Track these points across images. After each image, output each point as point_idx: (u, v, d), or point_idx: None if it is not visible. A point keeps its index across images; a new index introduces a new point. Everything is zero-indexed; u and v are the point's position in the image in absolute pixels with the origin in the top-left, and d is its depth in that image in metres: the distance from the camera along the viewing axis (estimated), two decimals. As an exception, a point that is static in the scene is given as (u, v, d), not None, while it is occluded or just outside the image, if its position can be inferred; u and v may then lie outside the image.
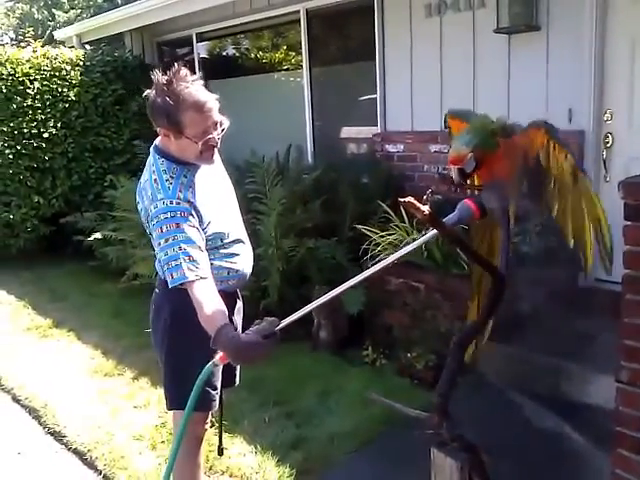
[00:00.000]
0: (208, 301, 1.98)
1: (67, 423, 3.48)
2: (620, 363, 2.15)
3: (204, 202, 2.13)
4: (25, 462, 3.24)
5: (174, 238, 2.00)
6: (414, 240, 4.01)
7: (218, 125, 2.09)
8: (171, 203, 2.04)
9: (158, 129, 2.10)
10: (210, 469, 2.97)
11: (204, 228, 2.12)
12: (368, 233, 4.24)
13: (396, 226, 4.19)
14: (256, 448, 3.10)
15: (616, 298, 2.19)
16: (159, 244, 2.04)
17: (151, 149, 2.21)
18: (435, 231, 1.80)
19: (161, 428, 3.36)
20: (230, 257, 2.24)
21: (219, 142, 2.13)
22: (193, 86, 2.04)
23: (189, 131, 2.03)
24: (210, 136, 2.07)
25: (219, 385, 2.37)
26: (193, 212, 2.06)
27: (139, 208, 2.21)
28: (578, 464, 2.81)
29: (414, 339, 3.88)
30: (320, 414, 3.43)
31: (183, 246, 2.00)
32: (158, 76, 2.04)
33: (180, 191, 2.07)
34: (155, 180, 2.10)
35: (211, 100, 2.06)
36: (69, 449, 3.29)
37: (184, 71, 2.05)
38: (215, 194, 2.23)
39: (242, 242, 2.33)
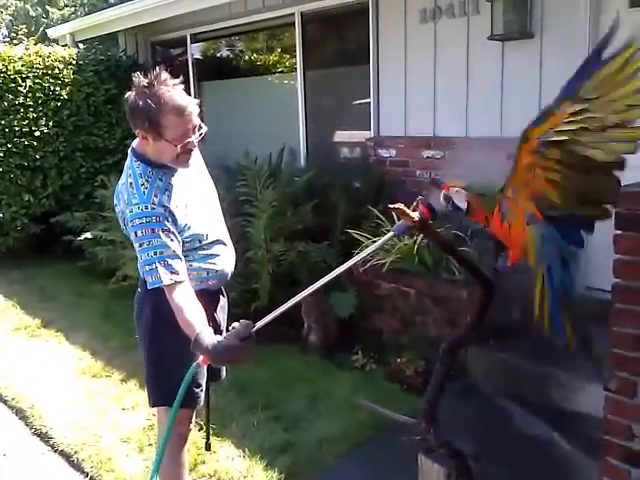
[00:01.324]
0: (186, 305, 2.02)
1: (54, 424, 3.46)
2: (609, 372, 2.16)
3: (181, 204, 2.15)
4: (10, 464, 3.21)
5: (149, 243, 2.04)
6: (405, 245, 4.04)
7: (197, 129, 2.12)
8: (146, 208, 2.06)
9: (136, 131, 2.11)
10: (197, 472, 2.95)
11: (180, 231, 2.14)
12: (359, 238, 4.24)
13: (387, 231, 4.18)
14: (244, 452, 3.09)
15: (606, 306, 2.20)
16: (135, 248, 2.08)
17: (129, 151, 2.23)
18: (392, 233, 1.86)
19: (149, 430, 3.33)
20: (210, 258, 2.26)
21: (196, 146, 2.15)
22: (174, 90, 2.06)
23: (169, 134, 2.04)
24: (189, 139, 2.09)
25: (204, 383, 2.39)
26: (168, 216, 2.08)
27: (117, 210, 2.23)
28: (567, 472, 2.81)
29: (404, 344, 3.89)
30: (309, 418, 3.42)
31: (158, 251, 2.03)
32: (139, 79, 2.07)
33: (155, 195, 2.09)
34: (131, 184, 2.12)
35: (192, 104, 2.08)
36: (55, 451, 3.27)
37: (165, 75, 2.07)
38: (194, 195, 2.24)
39: (222, 243, 2.34)
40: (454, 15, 4.58)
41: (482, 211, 1.75)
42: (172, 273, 2.04)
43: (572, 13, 3.95)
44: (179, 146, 2.06)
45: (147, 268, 2.04)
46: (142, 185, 2.10)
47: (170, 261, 2.04)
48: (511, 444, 3.01)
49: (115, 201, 2.22)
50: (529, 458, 2.89)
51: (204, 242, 2.24)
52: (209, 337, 1.94)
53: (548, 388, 3.34)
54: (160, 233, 2.05)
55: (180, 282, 2.05)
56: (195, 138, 2.11)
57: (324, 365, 4.07)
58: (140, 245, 2.06)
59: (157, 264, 2.03)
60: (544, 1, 4.06)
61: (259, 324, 1.91)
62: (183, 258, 2.11)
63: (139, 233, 2.05)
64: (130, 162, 2.19)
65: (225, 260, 2.34)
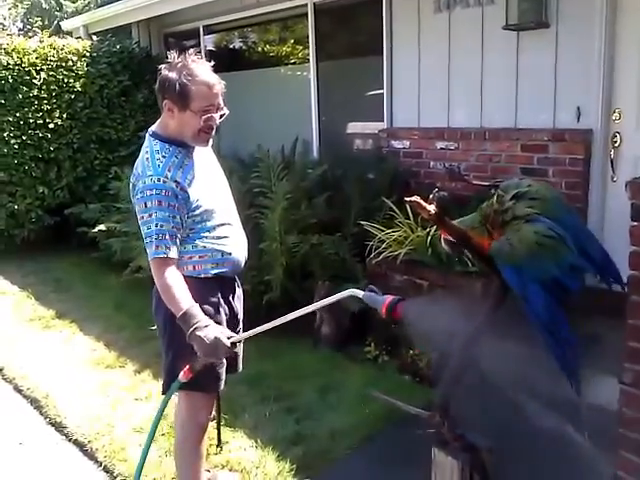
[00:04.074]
0: (174, 282, 2.13)
1: (68, 414, 3.48)
2: (624, 365, 2.14)
3: (194, 182, 2.22)
4: (26, 452, 3.24)
5: (154, 215, 2.13)
6: (418, 237, 4.02)
7: (220, 109, 2.22)
8: (158, 180, 2.14)
9: (164, 103, 2.21)
10: (210, 462, 2.96)
11: (193, 207, 2.21)
12: (372, 230, 4.22)
13: (401, 223, 4.17)
14: (256, 442, 3.10)
15: (620, 299, 2.18)
16: (141, 218, 2.17)
17: (147, 135, 2.31)
18: (350, 291, 2.01)
19: (162, 420, 3.34)
20: (220, 239, 2.31)
21: (217, 126, 2.26)
22: (206, 68, 2.21)
23: (195, 105, 2.15)
24: (212, 114, 2.19)
25: (222, 371, 2.42)
26: (178, 193, 2.16)
27: (130, 187, 2.31)
28: (580, 465, 2.79)
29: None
30: (321, 410, 3.42)
31: (159, 224, 2.12)
32: (174, 56, 2.21)
33: (169, 170, 2.17)
34: (147, 158, 2.21)
35: (219, 83, 2.22)
36: (70, 440, 3.30)
37: (198, 56, 2.23)
38: (207, 178, 2.31)
39: (232, 226, 2.39)
40: (468, 5, 4.54)
41: (482, 239, 1.83)
42: (166, 247, 2.13)
43: (588, 2, 3.90)
44: (203, 118, 2.15)
45: (147, 240, 2.15)
46: (158, 159, 2.19)
47: (167, 237, 2.13)
48: (523, 437, 2.99)
49: (132, 179, 2.30)
50: (542, 451, 2.87)
51: (215, 223, 2.29)
52: (201, 315, 2.09)
53: (561, 380, 3.31)
54: (166, 207, 2.13)
55: (172, 259, 2.15)
56: (217, 116, 2.22)
57: (336, 357, 4.06)
58: (149, 215, 2.14)
59: (155, 236, 2.12)
60: (560, -10, 4.01)
61: (234, 338, 2.12)
62: (178, 242, 2.19)
63: (148, 204, 2.14)
64: (148, 142, 2.28)
65: (235, 243, 2.38)
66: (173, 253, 2.15)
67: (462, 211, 2.28)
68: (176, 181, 2.15)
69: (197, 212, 2.23)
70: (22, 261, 6.76)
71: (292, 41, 6.62)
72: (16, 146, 6.67)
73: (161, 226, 2.12)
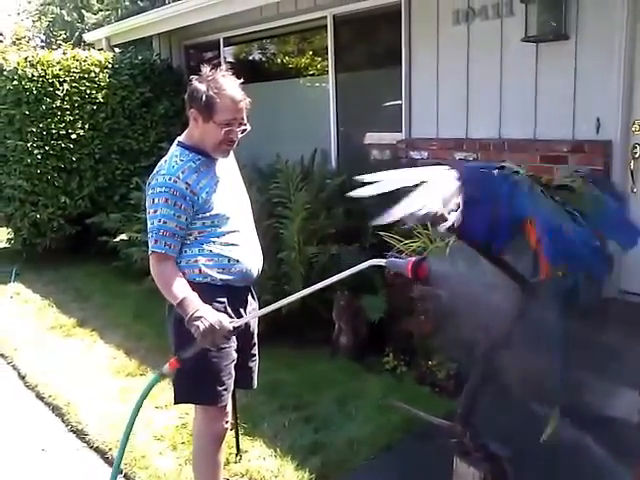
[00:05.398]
0: (171, 273, 2.22)
1: (89, 421, 3.52)
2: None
3: (207, 187, 2.28)
4: (48, 459, 3.28)
5: (159, 211, 2.22)
6: (437, 248, 4.02)
7: (242, 124, 2.30)
8: (170, 180, 2.23)
9: (190, 112, 2.30)
10: (229, 471, 2.98)
11: (203, 210, 2.27)
12: (391, 240, 4.23)
13: (419, 233, 4.17)
14: (275, 452, 3.11)
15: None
16: (148, 213, 2.25)
17: (174, 143, 2.41)
18: (372, 261, 2.03)
19: (182, 429, 3.38)
20: (227, 245, 2.35)
21: (237, 140, 2.33)
22: (234, 83, 2.30)
23: (218, 117, 2.23)
24: (233, 128, 2.27)
25: (230, 383, 2.42)
26: (187, 194, 2.23)
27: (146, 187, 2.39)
28: (600, 478, 2.77)
29: (435, 347, 3.86)
30: (339, 420, 3.42)
31: (162, 220, 2.21)
32: (205, 69, 2.31)
33: (182, 172, 2.25)
34: (165, 160, 2.31)
35: (245, 99, 2.30)
36: (91, 447, 3.34)
37: (229, 72, 2.34)
38: (223, 186, 2.37)
39: (244, 235, 2.43)
40: (487, 17, 4.54)
41: None
42: (165, 245, 2.21)
43: (609, 15, 3.89)
44: (224, 130, 2.24)
45: (149, 234, 2.23)
46: (174, 162, 2.28)
47: (168, 233, 2.21)
48: (543, 448, 2.97)
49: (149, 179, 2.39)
50: (562, 463, 2.86)
51: (225, 229, 2.34)
52: (200, 301, 2.15)
53: (581, 392, 3.29)
54: (172, 205, 2.21)
55: (170, 256, 2.23)
56: (239, 131, 2.29)
57: (354, 368, 4.07)
58: (154, 212, 2.22)
59: (157, 231, 2.21)
60: (580, 2, 4.01)
61: (236, 322, 2.25)
62: (179, 241, 2.26)
63: (155, 200, 2.22)
64: (172, 148, 2.37)
65: (245, 252, 2.41)
66: (172, 250, 2.23)
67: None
68: (187, 183, 2.23)
69: (207, 214, 2.29)
70: (43, 270, 6.86)
71: (311, 52, 6.67)
72: (39, 156, 6.76)
73: (164, 222, 2.20)
